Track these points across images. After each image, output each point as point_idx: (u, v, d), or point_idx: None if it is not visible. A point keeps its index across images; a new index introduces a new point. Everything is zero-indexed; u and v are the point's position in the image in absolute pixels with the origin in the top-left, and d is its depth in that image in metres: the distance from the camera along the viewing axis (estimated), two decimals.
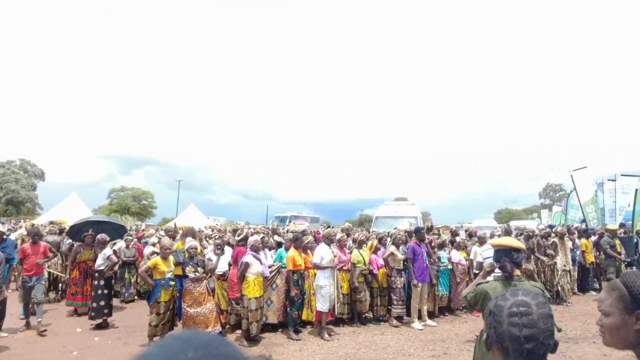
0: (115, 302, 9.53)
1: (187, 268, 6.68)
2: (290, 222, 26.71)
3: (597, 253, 11.76)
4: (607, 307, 1.51)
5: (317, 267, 7.44)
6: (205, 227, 17.77)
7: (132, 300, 10.55)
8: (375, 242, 8.97)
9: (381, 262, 8.42)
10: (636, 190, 14.83)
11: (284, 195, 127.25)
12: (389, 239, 8.99)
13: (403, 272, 8.32)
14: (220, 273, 7.68)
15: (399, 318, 8.21)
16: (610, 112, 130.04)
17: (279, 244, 8.61)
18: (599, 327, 1.57)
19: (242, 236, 7.64)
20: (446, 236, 9.62)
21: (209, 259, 7.54)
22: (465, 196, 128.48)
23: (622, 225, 14.25)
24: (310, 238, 8.45)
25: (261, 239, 7.68)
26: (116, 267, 9.21)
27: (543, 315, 1.28)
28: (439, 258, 8.83)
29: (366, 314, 8.42)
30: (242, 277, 6.94)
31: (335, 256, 7.80)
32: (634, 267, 10.86)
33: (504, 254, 3.20)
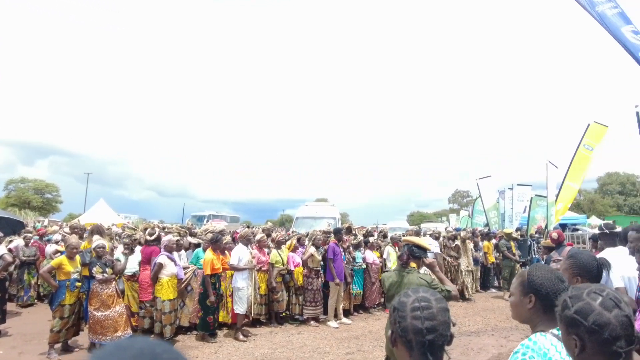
0: (11, 306, 8.72)
1: (95, 269, 6.28)
2: (208, 221, 26.01)
3: (497, 254, 12.87)
4: (513, 289, 1.94)
5: (234, 269, 7.36)
6: (115, 225, 16.77)
7: (32, 304, 9.68)
8: (294, 241, 9.08)
9: (298, 260, 8.52)
10: (530, 198, 16.44)
11: (202, 193, 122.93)
12: (307, 241, 9.13)
13: (321, 273, 8.51)
14: (130, 274, 7.31)
15: (315, 319, 8.37)
16: (512, 127, 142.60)
17: (196, 245, 8.38)
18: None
19: (154, 236, 7.33)
20: (361, 237, 9.99)
21: (118, 260, 7.13)
22: (381, 199, 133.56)
23: (518, 230, 15.73)
24: (228, 238, 8.36)
25: (177, 240, 7.44)
26: (11, 268, 8.40)
27: (441, 309, 1.40)
28: (353, 258, 9.15)
29: (283, 314, 8.48)
30: (155, 279, 6.68)
31: (253, 257, 7.77)
32: (527, 267, 12.09)
33: (407, 248, 3.69)
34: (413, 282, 3.48)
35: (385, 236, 10.92)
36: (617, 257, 4.15)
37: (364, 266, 9.31)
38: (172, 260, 6.87)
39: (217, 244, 7.35)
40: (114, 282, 6.48)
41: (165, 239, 7.10)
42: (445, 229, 20.61)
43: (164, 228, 8.75)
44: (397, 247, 9.88)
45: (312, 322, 8.28)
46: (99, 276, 6.22)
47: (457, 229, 16.87)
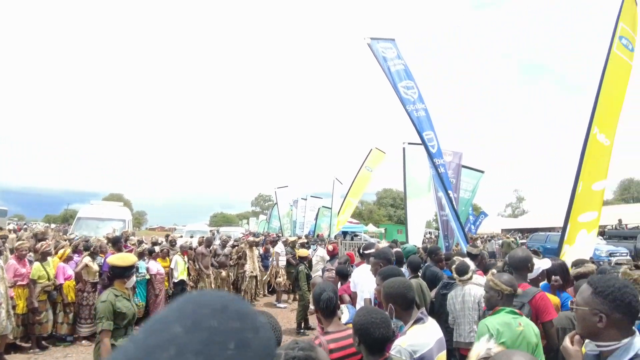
0: None
1: None
2: None
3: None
4: None
5: None
6: None
7: None
8: (69, 250, 8.02)
9: (70, 272, 7.55)
10: (318, 209, 18.19)
11: None
12: (84, 250, 8.16)
13: (99, 286, 7.70)
14: None
15: (90, 337, 7.50)
16: (312, 143, 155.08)
17: None
18: None
19: None
20: (147, 245, 9.42)
21: None
22: (185, 197, 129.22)
23: (307, 236, 17.22)
24: None
25: None
26: None
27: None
28: (137, 268, 8.53)
29: (47, 334, 7.32)
30: None
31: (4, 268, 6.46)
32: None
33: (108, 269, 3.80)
34: None
35: (173, 244, 10.43)
36: (367, 273, 4.91)
37: (148, 277, 8.77)
38: None
39: None
40: None
41: None
42: (241, 233, 21.25)
43: None
44: (186, 256, 9.64)
45: (83, 341, 7.45)
46: None
47: (255, 234, 17.49)
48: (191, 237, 17.37)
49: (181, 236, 17.92)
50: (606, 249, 17.30)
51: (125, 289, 3.74)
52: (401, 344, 2.52)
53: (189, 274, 9.68)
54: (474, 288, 4.24)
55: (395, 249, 6.78)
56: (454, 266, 4.59)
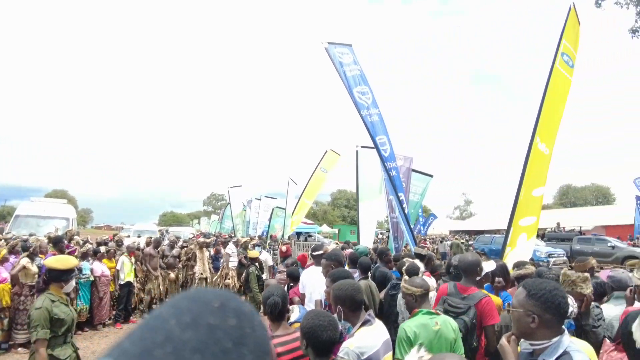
0: None
1: None
2: None
3: None
4: None
5: None
6: None
7: None
8: (5, 250, 7.52)
9: (5, 275, 7.08)
10: (272, 209, 18.09)
11: None
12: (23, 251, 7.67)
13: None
14: None
15: (27, 344, 7.07)
16: (268, 142, 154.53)
17: None
18: None
19: None
20: (92, 245, 9.00)
21: None
22: (134, 194, 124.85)
23: (260, 237, 17.08)
24: None
25: None
26: None
27: None
28: (80, 269, 8.13)
29: None
30: None
31: None
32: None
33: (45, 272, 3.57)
34: None
35: (119, 244, 10.00)
36: (317, 274, 4.93)
37: (92, 279, 8.38)
38: None
39: None
40: None
41: None
42: (191, 233, 20.78)
43: None
44: (133, 257, 9.28)
45: (19, 348, 7.01)
46: None
47: (206, 235, 17.13)
48: (139, 237, 16.78)
49: (128, 236, 17.25)
50: (545, 250, 18.33)
51: (63, 294, 3.52)
52: (349, 346, 2.55)
53: (136, 276, 9.33)
54: None
55: (348, 250, 6.87)
56: (404, 267, 4.69)
